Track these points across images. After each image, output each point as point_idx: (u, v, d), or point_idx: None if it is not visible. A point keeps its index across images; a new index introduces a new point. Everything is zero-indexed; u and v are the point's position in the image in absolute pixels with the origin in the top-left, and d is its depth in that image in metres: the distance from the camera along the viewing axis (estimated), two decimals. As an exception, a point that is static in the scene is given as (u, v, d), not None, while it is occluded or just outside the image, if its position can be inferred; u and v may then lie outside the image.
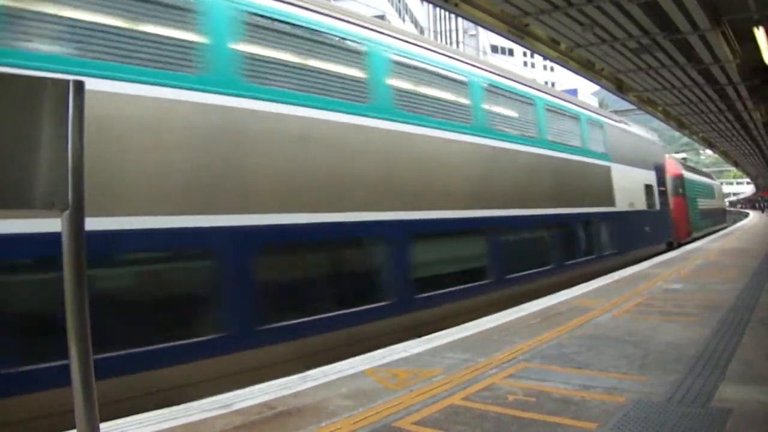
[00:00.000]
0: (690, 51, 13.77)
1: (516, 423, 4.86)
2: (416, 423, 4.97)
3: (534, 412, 5.09)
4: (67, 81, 3.03)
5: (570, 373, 6.32)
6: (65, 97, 3.01)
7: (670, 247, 26.02)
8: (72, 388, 3.04)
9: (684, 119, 26.13)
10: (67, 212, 3.00)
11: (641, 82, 17.92)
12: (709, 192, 45.62)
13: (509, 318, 9.81)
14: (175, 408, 5.54)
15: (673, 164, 32.60)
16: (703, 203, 40.56)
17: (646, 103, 22.31)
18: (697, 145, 44.55)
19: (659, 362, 6.54)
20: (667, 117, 25.34)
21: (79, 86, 3.05)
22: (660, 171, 25.94)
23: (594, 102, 79.30)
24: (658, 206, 24.65)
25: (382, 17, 59.05)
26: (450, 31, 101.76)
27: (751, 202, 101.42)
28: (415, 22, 74.86)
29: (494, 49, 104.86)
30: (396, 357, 7.41)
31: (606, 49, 13.80)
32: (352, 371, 6.78)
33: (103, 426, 4.70)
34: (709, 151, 59.83)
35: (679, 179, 32.12)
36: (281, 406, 5.56)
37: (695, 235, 33.85)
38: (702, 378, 5.83)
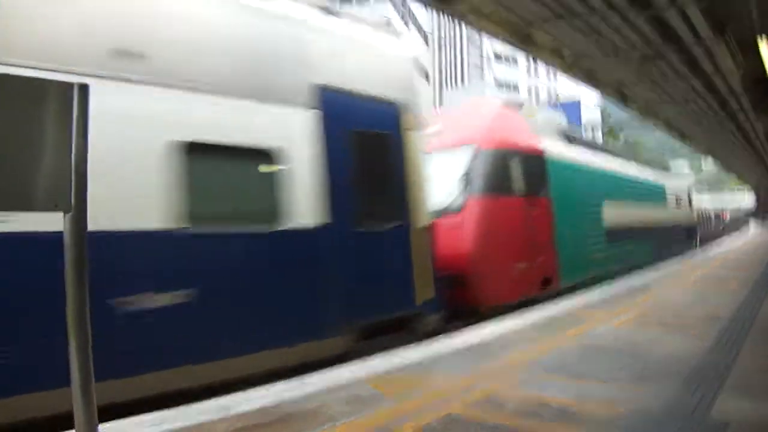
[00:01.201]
0: (693, 62, 13.81)
1: (514, 432, 4.88)
2: (414, 430, 4.97)
3: (532, 421, 5.09)
4: (72, 84, 3.06)
5: (569, 382, 6.31)
6: (69, 100, 3.03)
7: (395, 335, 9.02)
8: (71, 389, 3.04)
9: (686, 130, 26.08)
10: (69, 214, 3.03)
11: (644, 92, 17.97)
12: (647, 193, 24.18)
13: (509, 326, 9.80)
14: (174, 410, 5.54)
15: (494, 116, 14.38)
16: (624, 216, 20.06)
17: (649, 114, 22.32)
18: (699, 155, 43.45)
19: (658, 374, 6.53)
20: (670, 128, 25.29)
21: (84, 89, 3.07)
22: (378, 119, 9.45)
23: (597, 112, 79.58)
24: (296, 222, 7.74)
25: (387, 23, 59.30)
26: (454, 37, 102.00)
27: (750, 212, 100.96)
28: (419, 28, 75.05)
29: (498, 57, 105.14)
30: (396, 364, 7.40)
31: (609, 59, 13.84)
32: (352, 377, 6.78)
33: (100, 427, 4.72)
34: (710, 161, 59.90)
35: (512, 158, 13.39)
36: (279, 410, 5.56)
37: (576, 280, 15.17)
38: (700, 390, 5.82)
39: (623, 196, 20.43)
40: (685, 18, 10.85)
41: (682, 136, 27.75)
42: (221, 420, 5.29)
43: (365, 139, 9.05)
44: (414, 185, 9.68)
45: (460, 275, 11.13)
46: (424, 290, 9.50)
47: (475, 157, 12.67)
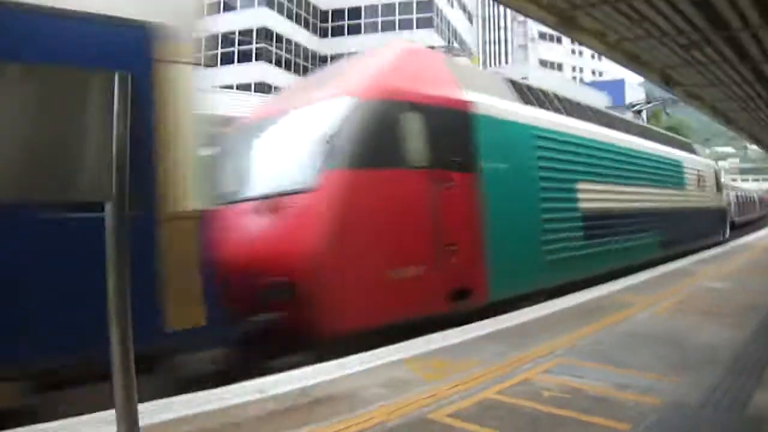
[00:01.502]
0: (741, 48, 13.58)
1: (549, 420, 4.89)
2: (450, 415, 5.01)
3: (568, 409, 5.10)
4: (113, 72, 3.10)
5: (606, 370, 6.31)
6: (111, 89, 3.08)
7: None
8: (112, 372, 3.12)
9: (732, 115, 25.51)
10: (110, 203, 3.09)
11: (689, 77, 17.65)
12: (655, 171, 19.13)
13: (548, 311, 9.80)
14: (210, 392, 5.65)
15: None
16: (616, 200, 15.65)
17: (693, 98, 21.90)
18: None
19: (696, 364, 6.50)
20: (715, 112, 24.74)
21: (124, 79, 3.12)
22: (95, 48, 5.63)
23: (641, 93, 78.58)
24: None
25: (430, 2, 59.09)
26: (498, 16, 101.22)
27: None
28: (464, 7, 74.55)
29: (542, 36, 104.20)
30: (434, 347, 7.45)
31: (654, 43, 13.63)
32: (389, 359, 6.84)
33: (151, 405, 4.85)
34: (755, 147, 58.77)
35: (409, 113, 9.43)
36: (317, 392, 5.64)
37: (522, 290, 11.20)
38: (738, 383, 5.80)
39: (615, 174, 15.83)
40: (733, 4, 10.67)
41: (727, 120, 27.16)
42: (255, 402, 5.39)
43: (58, 80, 4.22)
44: (173, 152, 6.33)
45: (290, 285, 7.69)
46: (187, 313, 6.30)
47: (348, 112, 8.86)
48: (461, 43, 70.38)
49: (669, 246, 18.81)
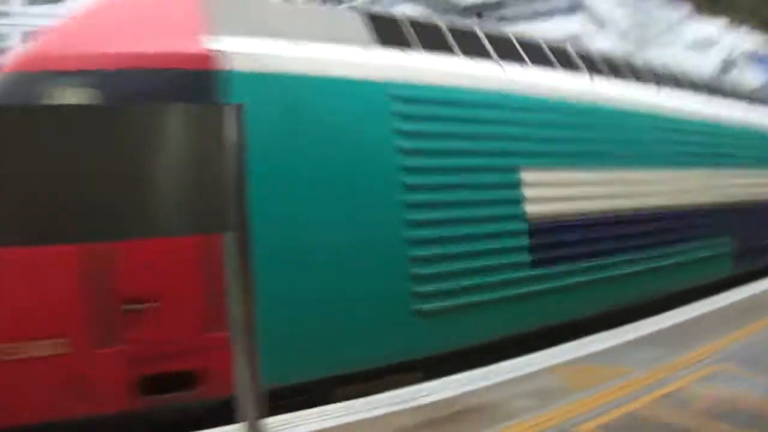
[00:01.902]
0: None
1: (702, 436, 4.70)
2: (596, 429, 4.89)
3: (723, 424, 4.86)
4: (224, 106, 3.18)
5: (764, 380, 5.92)
6: (224, 121, 3.16)
7: None
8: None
9: None
10: (233, 233, 3.17)
11: None
12: (707, 146, 12.15)
13: (708, 309, 9.32)
14: (358, 401, 5.74)
15: None
16: (619, 193, 9.96)
17: None
18: None
19: None
20: None
21: (239, 109, 3.19)
22: None
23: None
24: None
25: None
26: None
27: None
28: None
29: (693, 13, 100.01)
30: (584, 352, 7.27)
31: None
32: (537, 367, 6.73)
33: (282, 418, 4.98)
34: None
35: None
36: (462, 403, 5.64)
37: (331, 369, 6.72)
38: None
39: (617, 154, 10.11)
40: None
41: None
42: (402, 412, 5.43)
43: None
44: None
45: None
46: None
47: None
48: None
49: (754, 256, 13.15)
